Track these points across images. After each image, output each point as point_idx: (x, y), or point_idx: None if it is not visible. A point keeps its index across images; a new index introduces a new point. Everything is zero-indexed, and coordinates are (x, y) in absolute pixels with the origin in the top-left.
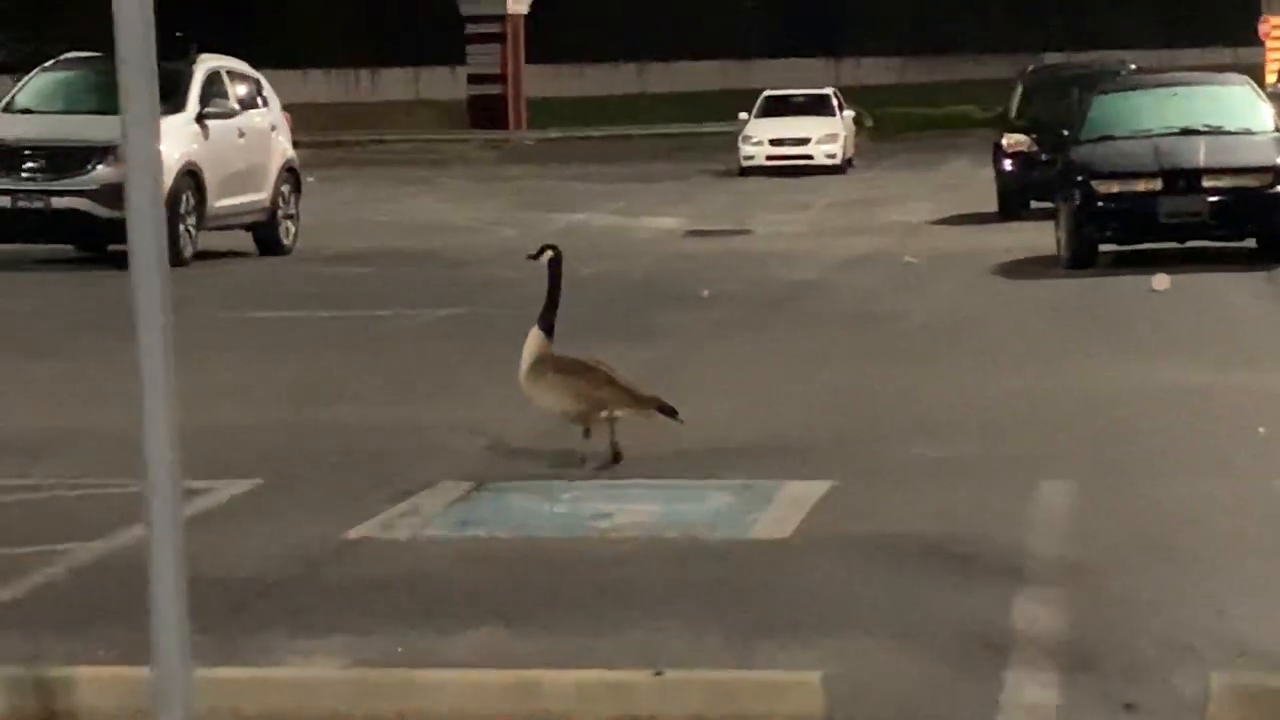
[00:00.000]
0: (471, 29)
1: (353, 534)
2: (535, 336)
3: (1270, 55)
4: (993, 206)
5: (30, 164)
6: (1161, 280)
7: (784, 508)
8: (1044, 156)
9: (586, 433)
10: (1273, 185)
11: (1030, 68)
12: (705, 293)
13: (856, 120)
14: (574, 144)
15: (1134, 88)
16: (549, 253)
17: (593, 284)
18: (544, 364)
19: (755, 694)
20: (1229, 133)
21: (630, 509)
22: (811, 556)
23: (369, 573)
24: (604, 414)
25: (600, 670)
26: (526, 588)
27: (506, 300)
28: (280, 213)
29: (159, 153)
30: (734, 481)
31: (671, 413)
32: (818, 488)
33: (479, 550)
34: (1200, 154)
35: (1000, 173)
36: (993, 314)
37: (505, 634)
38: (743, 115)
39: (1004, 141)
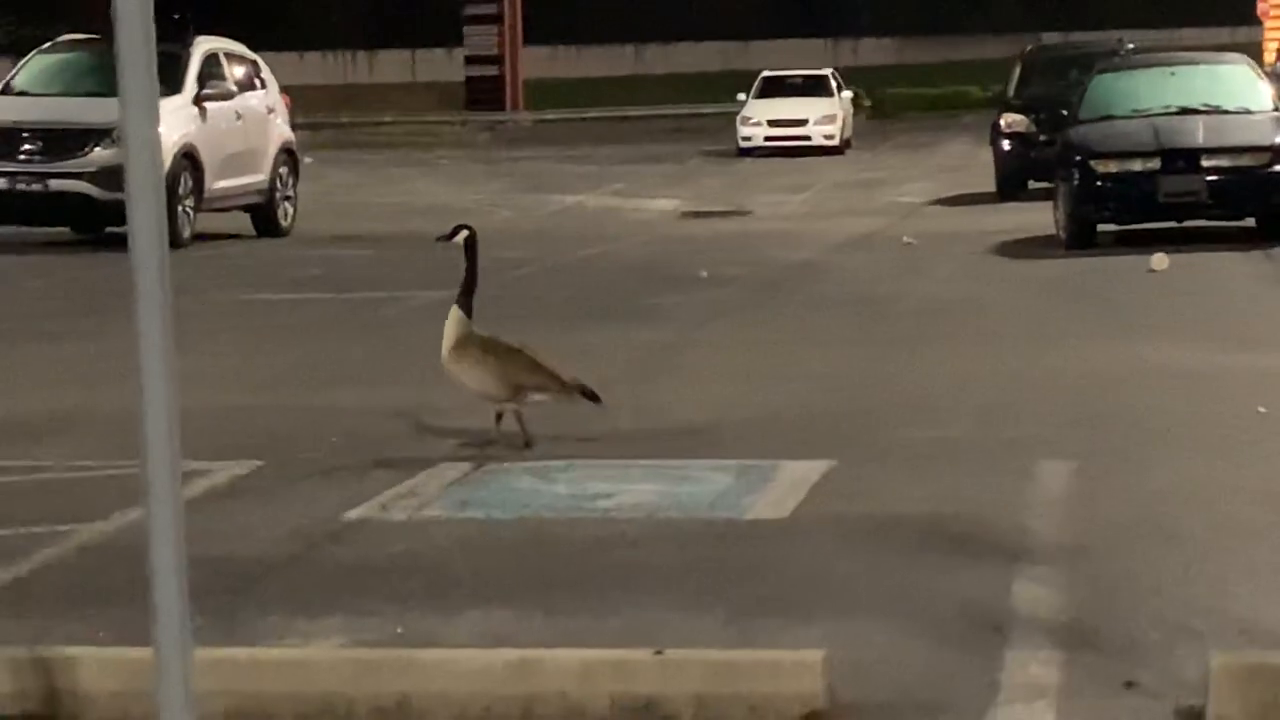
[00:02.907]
0: (469, 10)
1: (352, 515)
2: (456, 317)
3: (1269, 34)
4: (991, 187)
5: (28, 146)
6: (1160, 260)
7: (783, 488)
8: (1042, 137)
9: (499, 418)
10: (1271, 164)
11: (1029, 48)
12: (703, 274)
13: (855, 101)
14: (571, 125)
15: (1132, 67)
16: (464, 233)
17: (590, 265)
18: (467, 344)
19: (757, 673)
20: (1228, 112)
21: (630, 490)
22: (810, 537)
23: (368, 554)
24: (526, 396)
25: (601, 649)
26: (526, 568)
27: (504, 282)
28: (278, 194)
29: (158, 135)
30: (733, 462)
31: (594, 397)
32: (816, 468)
33: (478, 531)
34: (1199, 133)
35: (999, 153)
36: (991, 294)
37: (506, 614)
38: (740, 96)
39: (1002, 122)
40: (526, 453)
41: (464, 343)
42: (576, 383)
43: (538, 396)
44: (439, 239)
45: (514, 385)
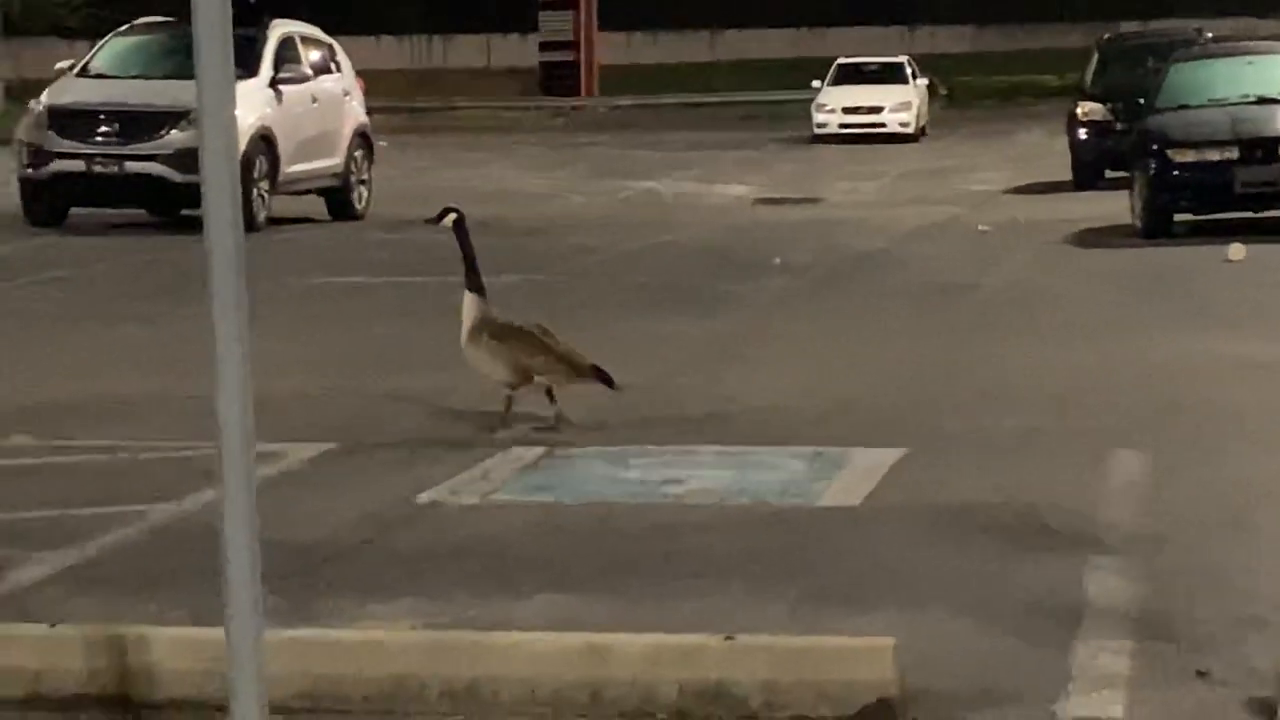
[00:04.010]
0: None
1: (423, 498)
2: (471, 300)
3: None
4: (1067, 176)
5: (105, 128)
6: (1237, 250)
7: (854, 476)
8: (1119, 125)
9: (509, 414)
10: None
11: (1106, 36)
12: (777, 261)
13: (930, 88)
14: (645, 111)
15: (1210, 56)
16: (451, 215)
17: (663, 252)
18: (482, 329)
19: (827, 660)
20: None
21: (701, 476)
22: (881, 525)
23: (439, 537)
24: (539, 380)
25: (670, 635)
26: (596, 553)
27: (578, 268)
28: (353, 178)
29: (234, 118)
30: (805, 449)
31: (609, 381)
32: (888, 456)
33: (549, 516)
34: (1277, 122)
35: (1075, 142)
36: (1066, 284)
37: (575, 599)
38: (816, 83)
39: (1079, 110)
40: (552, 434)
41: (479, 327)
42: (591, 366)
43: (551, 380)
44: (427, 221)
45: (526, 369)
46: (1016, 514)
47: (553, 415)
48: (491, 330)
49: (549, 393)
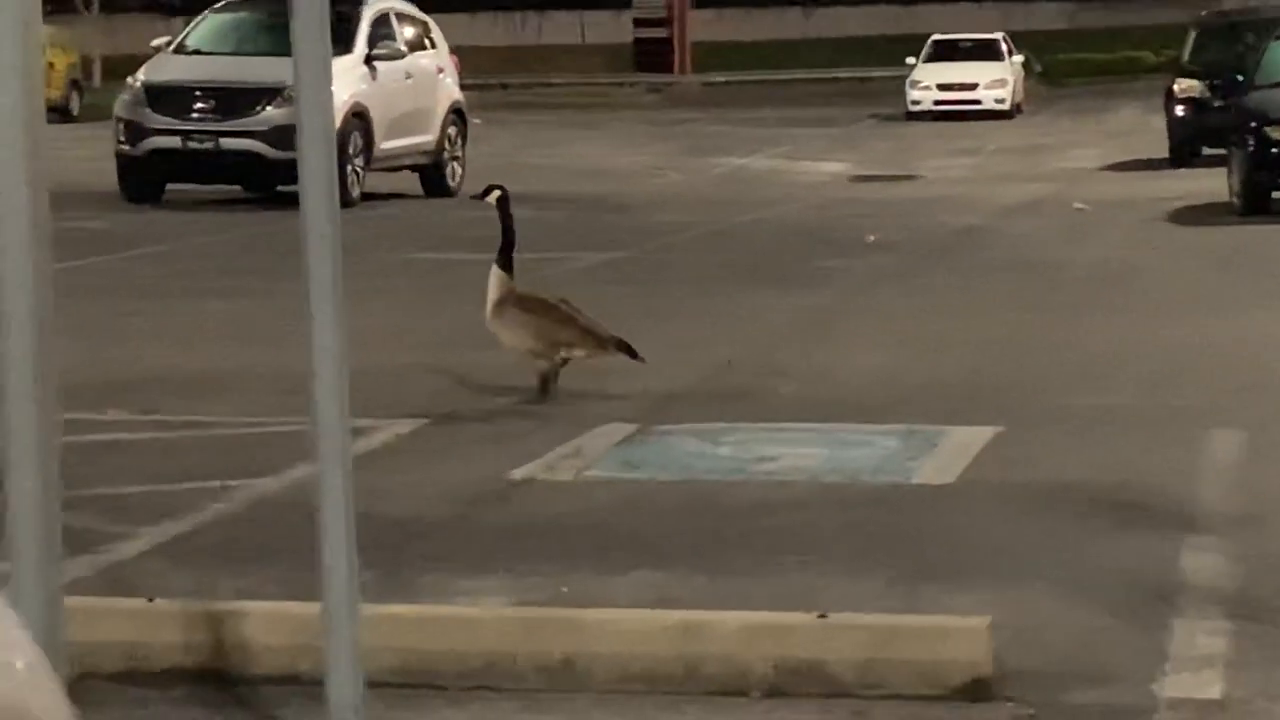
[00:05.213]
0: None
1: (516, 474)
2: (496, 275)
3: None
4: (1164, 153)
5: (201, 105)
6: None
7: (948, 454)
8: (1217, 102)
9: (543, 381)
10: None
11: (1204, 13)
12: (870, 238)
13: (1025, 65)
14: (739, 88)
15: None
16: (496, 192)
17: (757, 229)
18: (507, 302)
19: (921, 638)
20: None
21: (794, 453)
22: (975, 503)
23: (532, 513)
24: (564, 353)
25: (764, 612)
26: (690, 530)
27: (669, 245)
28: (446, 154)
29: (330, 94)
30: (898, 427)
31: (634, 353)
32: (982, 434)
33: (642, 492)
34: None
35: (1172, 119)
36: (1162, 262)
37: (669, 576)
38: (910, 60)
39: (1176, 87)
40: (541, 405)
41: (504, 301)
42: (615, 339)
43: (576, 353)
44: (472, 197)
45: (551, 342)
46: (1111, 493)
47: (538, 388)
48: (517, 303)
49: (560, 364)
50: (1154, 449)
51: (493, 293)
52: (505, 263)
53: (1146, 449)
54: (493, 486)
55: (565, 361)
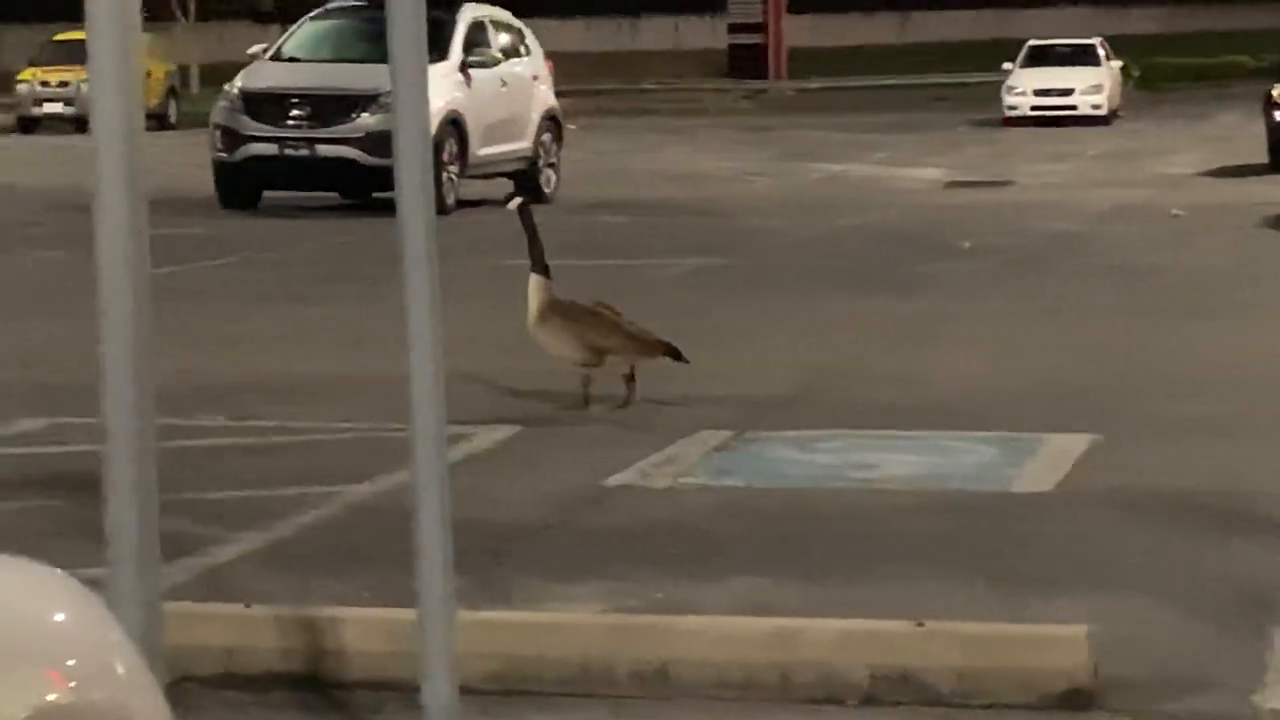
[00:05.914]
0: None
1: (611, 481)
2: (536, 282)
3: None
4: (1263, 159)
5: (297, 112)
6: None
7: (1047, 461)
8: None
9: (588, 394)
10: None
11: None
12: (966, 244)
13: (1123, 70)
14: (834, 94)
15: None
16: (517, 200)
17: (853, 234)
18: (550, 310)
19: (1019, 647)
20: None
21: (891, 460)
22: (1074, 510)
23: (627, 520)
24: (610, 360)
25: (860, 620)
26: (785, 537)
27: (763, 250)
28: (541, 161)
29: (427, 101)
30: (996, 434)
31: (679, 356)
32: (1080, 442)
33: (738, 499)
34: None
35: (1271, 124)
36: (1260, 268)
37: (764, 582)
38: (1006, 65)
39: (1275, 92)
40: (597, 413)
41: (546, 310)
42: (660, 343)
43: (623, 359)
44: (504, 203)
45: (594, 349)
46: (1211, 501)
47: (624, 396)
48: (562, 311)
49: (630, 374)
50: (1254, 457)
51: (534, 300)
52: (542, 269)
53: (1246, 457)
54: (588, 493)
55: (631, 370)
